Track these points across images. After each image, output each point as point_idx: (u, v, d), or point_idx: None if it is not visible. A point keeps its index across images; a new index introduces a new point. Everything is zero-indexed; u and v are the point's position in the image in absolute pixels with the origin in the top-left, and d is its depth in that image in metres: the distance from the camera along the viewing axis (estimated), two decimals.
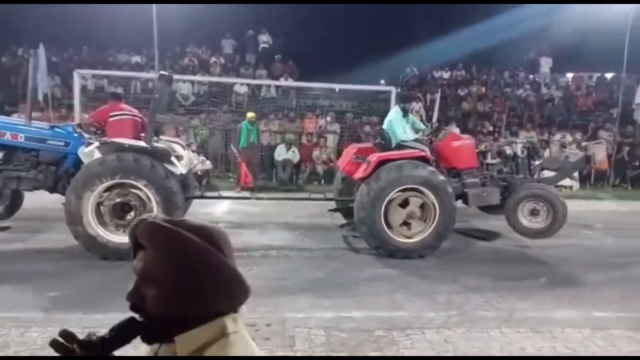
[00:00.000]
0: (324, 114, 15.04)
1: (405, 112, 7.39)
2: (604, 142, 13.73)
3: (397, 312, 4.71)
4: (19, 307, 4.44)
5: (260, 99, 15.79)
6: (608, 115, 16.59)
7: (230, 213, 9.01)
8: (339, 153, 13.46)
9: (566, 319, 4.63)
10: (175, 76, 12.97)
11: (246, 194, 10.20)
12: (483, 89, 17.99)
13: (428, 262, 6.36)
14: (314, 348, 3.91)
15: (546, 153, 12.31)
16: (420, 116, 14.09)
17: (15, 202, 7.34)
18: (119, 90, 14.89)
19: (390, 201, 6.42)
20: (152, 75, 13.42)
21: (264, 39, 18.95)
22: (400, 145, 7.06)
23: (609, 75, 19.29)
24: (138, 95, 14.63)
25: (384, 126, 7.44)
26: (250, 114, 11.91)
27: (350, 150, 7.70)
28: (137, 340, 1.10)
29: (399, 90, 12.40)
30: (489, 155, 9.30)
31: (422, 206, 6.52)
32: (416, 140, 7.18)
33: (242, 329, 1.13)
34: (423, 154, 6.70)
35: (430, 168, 6.52)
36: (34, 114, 11.91)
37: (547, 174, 7.79)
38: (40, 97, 11.79)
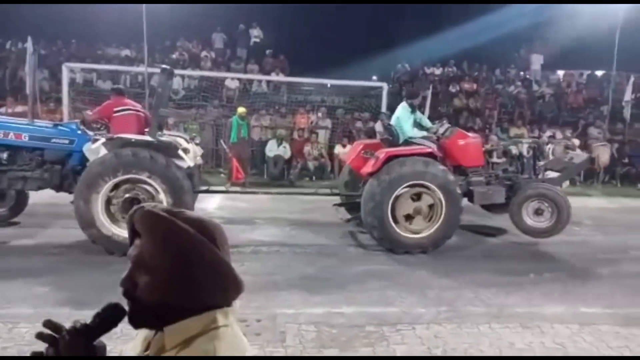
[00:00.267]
0: (316, 109, 15.02)
1: (413, 108, 7.42)
2: (608, 144, 13.80)
3: (387, 307, 4.71)
4: (7, 303, 4.40)
5: (252, 94, 15.74)
6: (598, 112, 16.73)
7: (221, 209, 8.98)
8: (330, 149, 13.49)
9: (555, 315, 4.67)
10: None
11: (237, 189, 10.14)
12: (474, 86, 18.04)
13: (419, 259, 6.38)
14: (304, 343, 3.90)
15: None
16: None
17: (20, 202, 7.15)
18: (109, 84, 14.78)
19: (397, 197, 6.46)
20: (141, 69, 13.32)
21: (255, 34, 18.87)
22: (407, 142, 7.11)
23: (599, 73, 19.45)
24: (127, 89, 14.49)
25: (392, 122, 7.48)
26: (240, 109, 11.85)
27: (358, 145, 7.78)
28: (131, 337, 1.09)
29: (390, 86, 12.42)
30: (494, 154, 9.37)
31: (431, 206, 6.58)
32: (424, 137, 7.24)
33: (234, 323, 1.12)
34: (431, 150, 6.75)
35: (441, 167, 6.58)
36: (20, 108, 11.76)
37: (550, 174, 7.84)
38: (27, 91, 11.65)
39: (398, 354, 3.82)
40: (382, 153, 6.56)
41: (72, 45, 17.95)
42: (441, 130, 7.58)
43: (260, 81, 16.45)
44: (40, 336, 1.06)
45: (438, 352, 3.87)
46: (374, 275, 5.67)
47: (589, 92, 18.40)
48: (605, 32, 14.16)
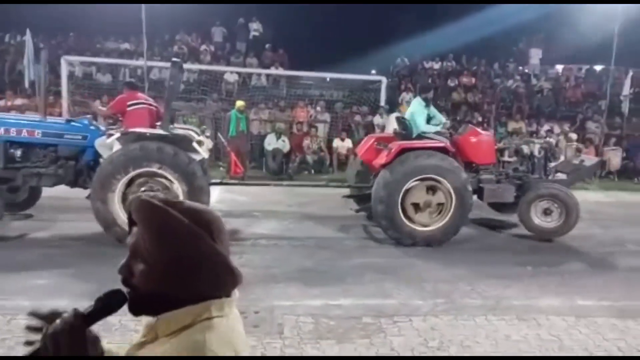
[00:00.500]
0: (315, 103, 15.01)
1: (427, 103, 7.50)
2: (619, 149, 13.84)
3: (385, 299, 4.75)
4: (5, 294, 4.42)
5: (251, 87, 15.71)
6: (596, 106, 16.72)
7: (220, 202, 8.98)
8: (329, 142, 13.49)
9: (551, 307, 4.71)
10: (164, 64, 12.88)
11: (241, 181, 10.13)
12: (473, 80, 18.03)
13: (417, 251, 6.40)
14: (302, 335, 3.94)
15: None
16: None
17: (33, 195, 7.11)
18: (108, 77, 14.74)
19: (408, 189, 6.52)
20: (140, 62, 13.29)
21: (255, 27, 18.81)
22: (420, 136, 7.18)
23: (598, 67, 19.43)
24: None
25: (406, 116, 7.58)
26: (239, 103, 11.84)
27: (370, 138, 7.87)
28: (129, 329, 1.11)
29: (389, 80, 12.41)
30: (506, 153, 9.40)
31: (440, 204, 6.62)
32: (437, 132, 7.30)
33: (231, 314, 1.12)
34: (443, 145, 6.81)
35: (455, 163, 6.64)
36: (19, 101, 11.72)
37: (560, 176, 7.86)
38: (26, 84, 11.65)
39: (395, 346, 3.85)
40: (396, 145, 6.65)
41: (71, 39, 17.87)
42: (459, 130, 7.70)
43: (259, 75, 16.40)
44: (29, 329, 1.08)
45: (435, 344, 3.91)
46: (371, 267, 5.70)
47: (587, 86, 18.39)
48: (604, 27, 14.14)
